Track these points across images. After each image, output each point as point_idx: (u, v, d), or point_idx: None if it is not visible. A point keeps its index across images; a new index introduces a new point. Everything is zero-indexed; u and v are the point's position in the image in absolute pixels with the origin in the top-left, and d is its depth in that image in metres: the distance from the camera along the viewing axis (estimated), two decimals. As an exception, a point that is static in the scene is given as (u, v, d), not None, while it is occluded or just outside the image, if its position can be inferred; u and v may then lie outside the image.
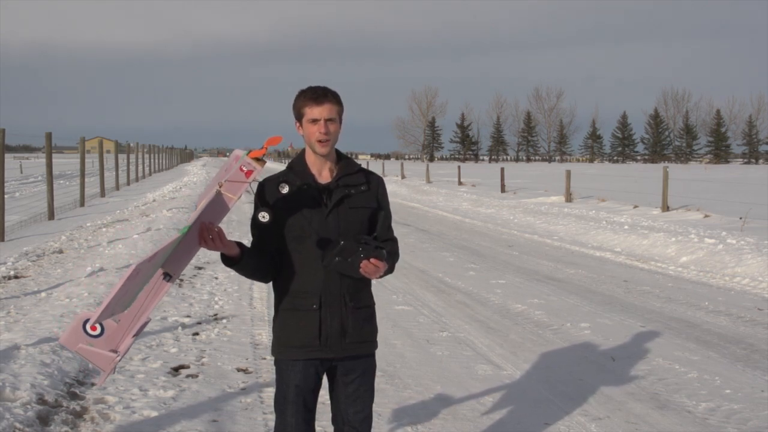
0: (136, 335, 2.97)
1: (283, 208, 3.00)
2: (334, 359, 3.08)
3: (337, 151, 3.10)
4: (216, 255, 12.21)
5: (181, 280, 9.59)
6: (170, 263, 2.94)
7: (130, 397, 5.13)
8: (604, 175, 44.84)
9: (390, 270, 3.04)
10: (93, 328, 2.94)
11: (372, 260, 2.88)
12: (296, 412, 3.07)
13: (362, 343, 3.11)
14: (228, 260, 2.98)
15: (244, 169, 2.92)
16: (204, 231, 2.86)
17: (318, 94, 2.98)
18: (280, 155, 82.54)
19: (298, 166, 3.07)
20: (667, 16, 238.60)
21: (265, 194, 3.04)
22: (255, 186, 3.09)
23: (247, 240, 3.20)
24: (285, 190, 3.03)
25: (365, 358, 3.15)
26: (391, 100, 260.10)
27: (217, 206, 2.94)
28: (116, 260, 10.10)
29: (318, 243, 2.99)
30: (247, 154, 2.93)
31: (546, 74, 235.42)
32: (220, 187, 2.91)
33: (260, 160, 2.93)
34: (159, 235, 13.23)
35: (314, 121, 2.97)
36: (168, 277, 2.94)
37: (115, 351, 2.94)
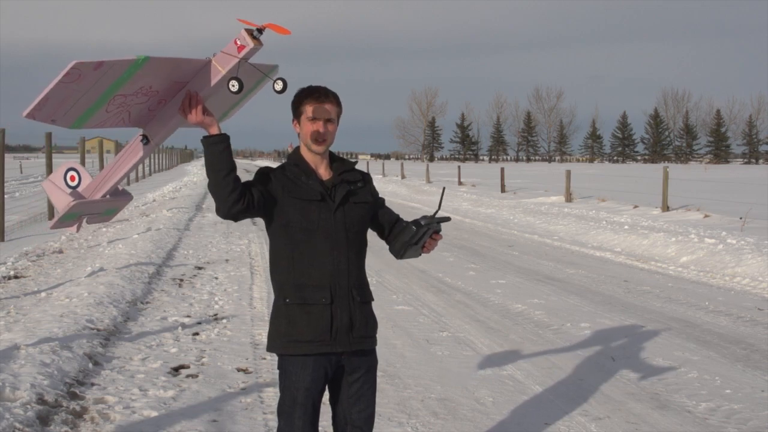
0: (108, 195, 3.05)
1: (291, 197, 3.01)
2: (343, 356, 3.07)
3: (329, 151, 3.15)
4: (217, 255, 12.08)
5: (181, 280, 9.59)
6: (150, 126, 2.96)
7: (130, 397, 5.13)
8: (604, 175, 44.84)
9: None
10: (72, 178, 3.07)
11: (433, 236, 3.08)
12: (304, 414, 3.04)
13: (367, 338, 3.13)
14: (207, 140, 2.95)
15: (237, 42, 2.87)
16: (186, 98, 2.88)
17: (320, 94, 3.02)
18: (279, 155, 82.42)
19: (297, 162, 3.09)
20: (668, 16, 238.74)
21: (266, 174, 3.05)
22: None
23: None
24: (279, 86, 3.04)
25: (369, 354, 3.16)
26: (391, 100, 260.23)
27: (204, 75, 2.92)
28: (116, 260, 10.10)
29: (326, 237, 3.02)
30: (245, 29, 2.88)
31: (546, 74, 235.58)
32: (212, 57, 2.90)
33: (255, 38, 2.87)
34: (159, 234, 13.23)
35: (314, 119, 3.01)
36: (145, 140, 2.95)
37: (78, 198, 3.03)
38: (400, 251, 3.09)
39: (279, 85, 3.02)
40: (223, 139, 2.94)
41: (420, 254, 3.13)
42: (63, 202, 3.03)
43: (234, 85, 2.88)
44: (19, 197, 23.26)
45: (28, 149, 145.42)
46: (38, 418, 4.52)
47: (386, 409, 5.06)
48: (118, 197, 3.19)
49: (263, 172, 3.07)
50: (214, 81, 2.94)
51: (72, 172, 3.09)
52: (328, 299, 3.02)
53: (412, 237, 3.01)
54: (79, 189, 3.05)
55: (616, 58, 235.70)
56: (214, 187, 2.94)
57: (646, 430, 4.81)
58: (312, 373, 3.03)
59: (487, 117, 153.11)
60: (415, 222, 3.03)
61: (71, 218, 3.10)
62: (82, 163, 22.45)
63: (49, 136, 18.28)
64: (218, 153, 2.92)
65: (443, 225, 3.13)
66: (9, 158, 62.28)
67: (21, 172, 42.57)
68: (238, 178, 2.97)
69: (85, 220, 3.29)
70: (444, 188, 3.50)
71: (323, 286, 3.02)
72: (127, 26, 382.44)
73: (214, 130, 2.95)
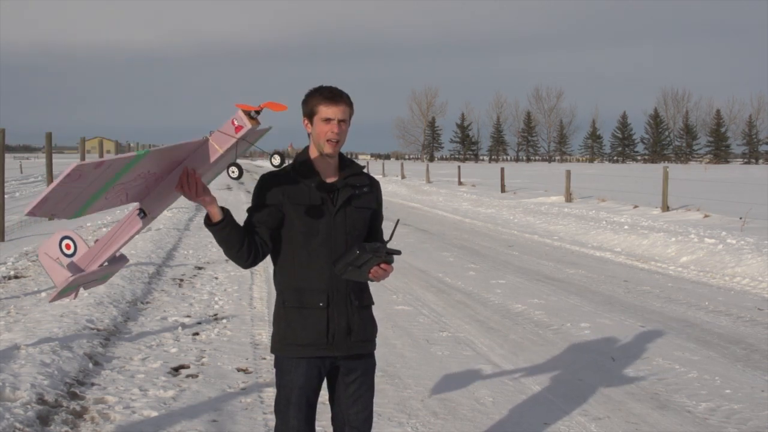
0: (105, 264, 3.01)
1: (291, 204, 3.00)
2: (338, 358, 3.08)
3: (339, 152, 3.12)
4: (217, 255, 12.05)
5: (181, 280, 9.59)
6: (147, 200, 2.95)
7: (130, 397, 5.13)
8: (604, 175, 44.85)
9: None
10: (67, 246, 3.03)
11: (382, 265, 2.94)
12: (299, 413, 3.06)
13: (365, 342, 3.13)
14: (209, 222, 2.95)
15: (235, 123, 2.87)
16: (183, 176, 2.85)
17: (334, 94, 3.01)
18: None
19: (302, 164, 3.08)
20: (668, 16, 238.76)
21: (267, 185, 3.03)
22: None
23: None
24: (276, 161, 2.97)
25: (366, 357, 3.16)
26: (391, 100, 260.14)
27: (201, 154, 2.91)
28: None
29: (326, 241, 3.01)
30: (242, 110, 2.88)
31: (546, 74, 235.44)
32: (209, 135, 2.89)
33: (253, 119, 2.88)
34: (159, 234, 13.23)
35: (328, 120, 2.99)
36: (142, 213, 2.95)
37: (76, 271, 2.99)
38: (341, 269, 2.93)
39: (276, 161, 3.00)
40: (227, 223, 2.93)
41: (366, 279, 2.98)
42: (61, 277, 3.02)
43: (234, 172, 2.89)
44: (19, 197, 23.26)
45: (28, 149, 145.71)
46: (38, 418, 4.53)
47: (386, 409, 5.06)
48: (115, 263, 3.18)
49: (263, 186, 3.03)
50: (211, 160, 2.94)
51: (67, 240, 3.05)
52: (325, 303, 3.02)
53: (355, 259, 2.89)
54: (75, 258, 3.02)
55: (616, 58, 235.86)
56: (229, 257, 3.03)
57: (646, 430, 4.81)
58: (305, 372, 3.05)
59: (487, 117, 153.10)
60: (361, 246, 2.91)
61: (70, 290, 3.10)
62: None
63: (49, 136, 18.28)
64: (225, 235, 2.95)
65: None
66: (9, 158, 62.24)
67: (21, 172, 42.54)
68: (250, 244, 2.99)
69: (81, 288, 3.29)
70: (398, 220, 3.33)
71: (321, 290, 3.02)
72: (127, 26, 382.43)
73: (214, 210, 2.90)
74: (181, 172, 2.85)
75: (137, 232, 3.04)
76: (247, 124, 2.87)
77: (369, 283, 3.19)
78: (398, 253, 2.97)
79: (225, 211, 2.94)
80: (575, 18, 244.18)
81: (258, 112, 2.89)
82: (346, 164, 3.13)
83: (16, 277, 9.54)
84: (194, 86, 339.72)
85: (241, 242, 2.97)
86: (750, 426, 4.90)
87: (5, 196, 14.22)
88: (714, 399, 5.38)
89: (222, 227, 2.93)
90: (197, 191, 2.85)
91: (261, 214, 3.01)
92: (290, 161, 3.16)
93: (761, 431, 4.83)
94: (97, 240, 2.90)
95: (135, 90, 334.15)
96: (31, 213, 2.67)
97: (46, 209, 2.68)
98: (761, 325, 7.62)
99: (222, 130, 2.89)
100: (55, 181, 2.59)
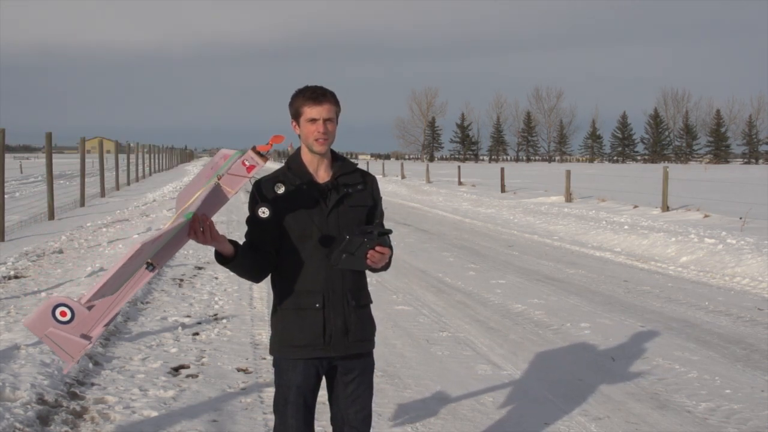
0: (107, 325, 2.84)
1: (284, 208, 3.00)
2: (336, 358, 3.08)
3: (332, 150, 3.11)
4: (216, 255, 12.06)
5: (181, 280, 9.60)
6: (156, 254, 2.85)
7: (130, 397, 5.13)
8: (603, 175, 44.85)
9: (387, 265, 3.05)
10: (63, 313, 2.74)
11: (377, 248, 2.89)
12: (297, 413, 3.07)
13: (363, 341, 3.13)
14: (221, 258, 2.96)
15: (246, 163, 2.86)
16: (195, 222, 2.81)
17: (317, 94, 2.98)
18: (279, 155, 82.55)
19: (295, 165, 3.07)
20: (668, 16, 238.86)
21: (263, 193, 3.03)
22: (253, 182, 3.07)
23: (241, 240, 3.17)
24: (281, 190, 2.99)
25: (365, 356, 3.16)
26: (391, 100, 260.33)
27: (214, 199, 2.88)
28: (116, 260, 10.10)
29: (320, 241, 2.99)
30: (252, 149, 2.89)
31: (546, 74, 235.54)
32: (219, 179, 2.86)
33: (263, 156, 2.89)
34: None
35: (313, 120, 2.97)
36: (151, 266, 2.85)
37: (86, 337, 2.75)
38: (335, 260, 2.89)
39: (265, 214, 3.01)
40: (241, 256, 2.95)
41: (364, 267, 2.93)
42: (78, 346, 2.74)
43: (264, 212, 2.92)
44: (19, 197, 23.27)
45: (28, 149, 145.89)
46: (38, 418, 4.53)
47: (386, 409, 5.06)
48: (112, 321, 3.09)
49: (258, 193, 3.01)
50: (223, 203, 2.93)
51: (61, 308, 2.73)
52: (321, 304, 3.01)
53: (347, 245, 2.86)
54: (75, 323, 2.75)
55: (616, 58, 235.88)
56: (242, 278, 3.12)
57: (646, 430, 4.81)
58: (303, 371, 3.05)
59: (487, 117, 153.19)
60: (350, 230, 2.89)
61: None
62: (82, 162, 22.44)
63: (49, 136, 18.30)
64: (241, 267, 3.01)
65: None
66: (9, 158, 62.19)
67: (21, 172, 42.55)
68: (262, 263, 3.03)
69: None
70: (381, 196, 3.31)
71: (316, 291, 3.02)
72: (126, 26, 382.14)
73: (227, 249, 2.92)
74: (192, 219, 2.81)
75: (143, 285, 2.94)
76: (260, 162, 2.87)
77: (368, 282, 3.19)
78: (389, 232, 2.95)
79: (235, 245, 2.94)
80: (575, 18, 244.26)
81: (269, 150, 2.90)
82: (338, 163, 3.11)
83: (16, 277, 9.54)
84: (194, 86, 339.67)
85: (253, 266, 3.02)
86: (750, 426, 4.90)
87: (5, 196, 14.22)
88: (714, 399, 5.38)
89: (236, 264, 2.96)
90: (212, 235, 2.83)
91: (261, 225, 3.01)
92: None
93: (761, 431, 4.83)
94: (88, 301, 2.67)
95: (135, 90, 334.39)
96: (90, 301, 2.62)
97: (101, 293, 2.63)
98: (761, 325, 7.62)
99: (233, 172, 2.86)
100: (119, 263, 2.55)
